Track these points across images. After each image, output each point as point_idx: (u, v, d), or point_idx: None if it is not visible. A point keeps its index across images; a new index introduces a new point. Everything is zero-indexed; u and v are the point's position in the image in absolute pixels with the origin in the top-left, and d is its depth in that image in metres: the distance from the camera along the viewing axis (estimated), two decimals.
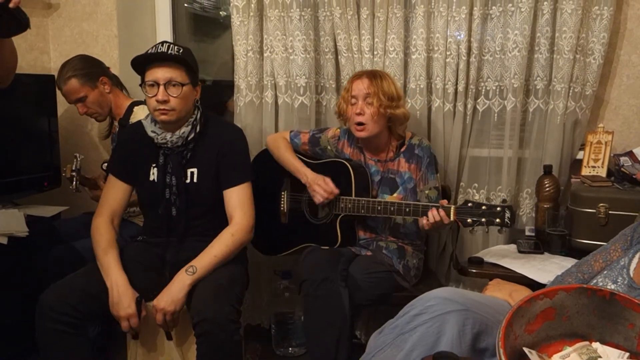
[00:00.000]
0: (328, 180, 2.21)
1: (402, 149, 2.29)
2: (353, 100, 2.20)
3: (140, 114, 2.38)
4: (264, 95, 2.67)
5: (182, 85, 1.95)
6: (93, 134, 2.95)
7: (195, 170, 2.06)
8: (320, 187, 2.20)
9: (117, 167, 2.12)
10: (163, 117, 1.96)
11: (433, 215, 1.99)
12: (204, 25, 3.23)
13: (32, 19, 2.82)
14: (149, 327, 1.94)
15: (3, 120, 2.45)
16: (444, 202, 2.02)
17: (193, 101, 2.04)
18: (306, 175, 2.27)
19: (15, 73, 1.72)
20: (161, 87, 1.93)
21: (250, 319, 2.90)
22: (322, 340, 2.00)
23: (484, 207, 1.95)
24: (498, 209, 1.94)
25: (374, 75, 2.20)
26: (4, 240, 2.18)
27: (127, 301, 1.84)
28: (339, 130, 2.40)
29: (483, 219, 1.95)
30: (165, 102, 1.93)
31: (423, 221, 2.03)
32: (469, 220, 1.97)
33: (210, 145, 2.07)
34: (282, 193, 2.39)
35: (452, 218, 1.98)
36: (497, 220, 1.94)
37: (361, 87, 2.18)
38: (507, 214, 1.93)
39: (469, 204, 1.97)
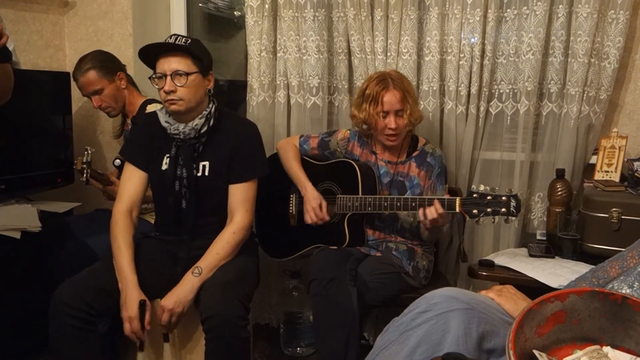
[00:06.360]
0: (324, 205, 2.23)
1: (415, 154, 2.29)
2: (383, 114, 2.17)
3: None
4: (276, 95, 2.68)
5: (188, 74, 1.96)
6: (106, 131, 2.97)
7: (207, 163, 2.06)
8: (314, 210, 2.22)
9: (133, 153, 2.12)
10: (173, 107, 1.98)
11: (427, 211, 2.00)
12: (218, 25, 3.24)
13: (49, 17, 2.88)
14: (156, 330, 1.94)
15: (18, 116, 2.47)
16: (447, 195, 2.02)
17: (204, 91, 2.05)
18: (306, 190, 2.28)
19: (11, 92, 1.76)
20: (168, 78, 1.95)
21: (259, 318, 2.91)
22: (332, 340, 1.99)
23: (489, 197, 1.95)
24: (503, 198, 1.94)
25: (398, 82, 2.17)
26: (17, 235, 2.20)
27: (130, 303, 1.85)
28: (348, 132, 2.40)
29: (489, 209, 1.95)
30: (172, 92, 1.95)
31: (420, 217, 2.04)
32: (474, 211, 1.97)
33: (224, 139, 2.07)
34: (291, 196, 2.39)
35: (457, 210, 1.98)
36: (503, 209, 1.94)
37: (394, 101, 2.15)
38: (513, 203, 1.93)
39: (474, 195, 1.97)
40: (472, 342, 1.35)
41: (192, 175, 2.05)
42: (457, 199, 1.99)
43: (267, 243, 2.46)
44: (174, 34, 2.01)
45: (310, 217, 2.23)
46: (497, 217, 1.97)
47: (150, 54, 2.00)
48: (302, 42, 2.58)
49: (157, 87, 1.99)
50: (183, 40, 1.97)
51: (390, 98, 2.15)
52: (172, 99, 1.97)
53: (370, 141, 2.35)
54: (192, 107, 2.01)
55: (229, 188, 2.08)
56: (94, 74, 2.42)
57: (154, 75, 2.00)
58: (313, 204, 2.23)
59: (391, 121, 2.16)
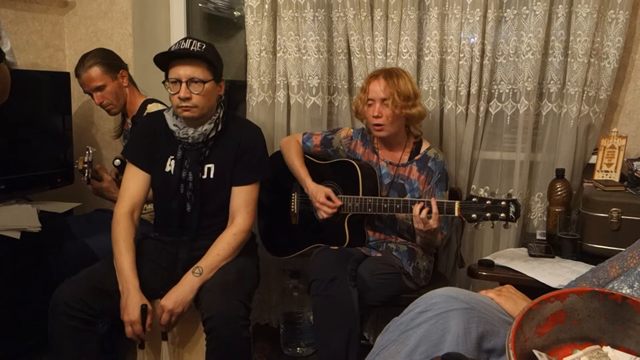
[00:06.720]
0: (329, 192, 2.21)
1: (417, 157, 2.28)
2: (370, 102, 2.19)
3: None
4: (276, 95, 2.68)
5: (204, 82, 1.95)
6: (106, 131, 2.97)
7: (212, 166, 2.06)
8: (324, 205, 2.20)
9: (136, 154, 2.11)
10: (186, 114, 1.97)
11: (416, 209, 2.00)
12: (217, 25, 3.24)
13: (48, 17, 2.88)
14: (155, 329, 1.94)
15: (18, 116, 2.47)
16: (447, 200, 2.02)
17: (216, 97, 2.05)
18: (307, 187, 2.28)
19: (7, 93, 1.75)
20: (183, 85, 1.94)
21: (259, 318, 2.91)
22: (332, 340, 1.99)
23: (488, 202, 1.94)
24: (503, 203, 1.93)
25: (390, 75, 2.18)
26: (17, 235, 2.21)
27: (132, 307, 1.84)
28: (351, 130, 2.40)
29: (487, 214, 1.94)
30: (187, 99, 1.94)
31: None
32: (473, 215, 1.96)
33: (229, 142, 2.07)
34: (293, 195, 2.39)
35: (456, 214, 1.98)
36: (502, 214, 1.93)
37: (377, 89, 2.17)
38: (512, 208, 1.92)
39: (473, 199, 1.97)
40: (471, 342, 1.35)
41: (197, 179, 2.04)
42: (456, 203, 1.98)
43: (268, 241, 2.47)
44: (189, 37, 1.99)
45: (324, 212, 2.21)
46: (495, 222, 1.96)
47: (163, 58, 1.99)
48: (301, 42, 2.58)
49: (170, 92, 1.98)
50: (198, 45, 1.96)
51: (375, 86, 2.18)
52: (186, 106, 1.95)
53: (372, 140, 2.35)
54: (204, 114, 2.00)
55: (232, 190, 2.08)
56: (98, 70, 2.42)
57: (167, 80, 1.98)
58: (320, 199, 2.21)
59: (375, 109, 2.17)
